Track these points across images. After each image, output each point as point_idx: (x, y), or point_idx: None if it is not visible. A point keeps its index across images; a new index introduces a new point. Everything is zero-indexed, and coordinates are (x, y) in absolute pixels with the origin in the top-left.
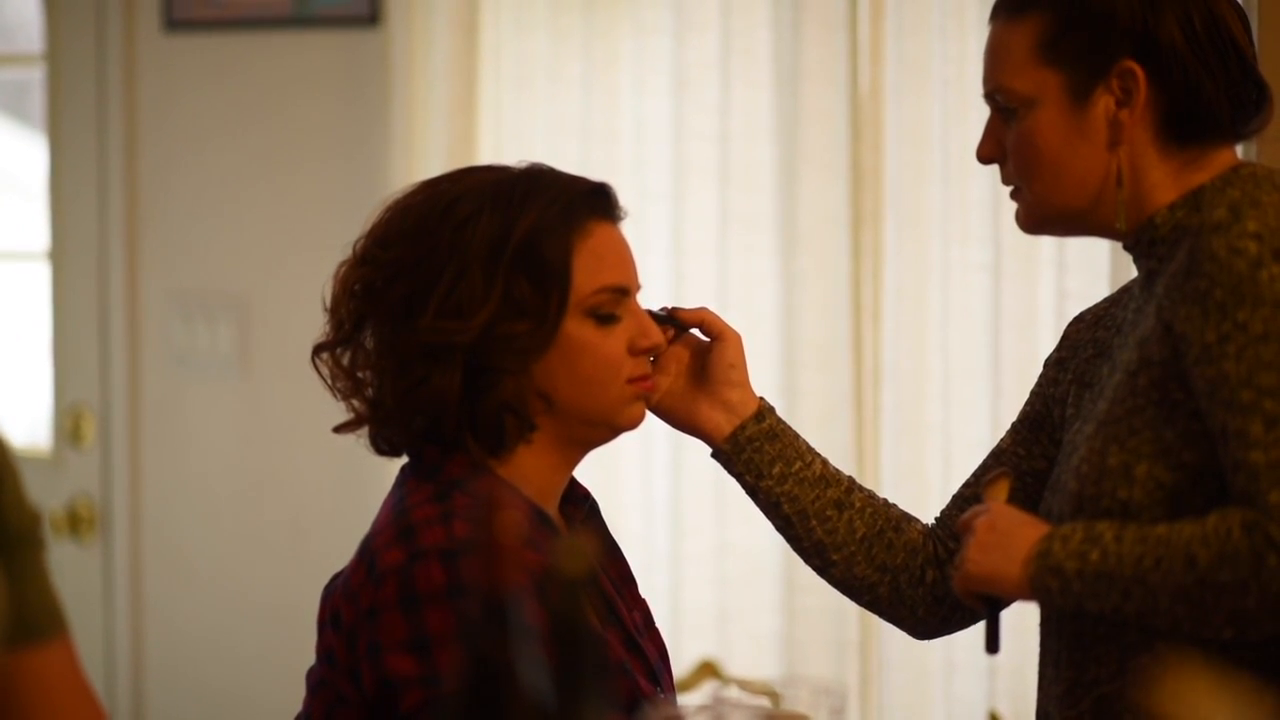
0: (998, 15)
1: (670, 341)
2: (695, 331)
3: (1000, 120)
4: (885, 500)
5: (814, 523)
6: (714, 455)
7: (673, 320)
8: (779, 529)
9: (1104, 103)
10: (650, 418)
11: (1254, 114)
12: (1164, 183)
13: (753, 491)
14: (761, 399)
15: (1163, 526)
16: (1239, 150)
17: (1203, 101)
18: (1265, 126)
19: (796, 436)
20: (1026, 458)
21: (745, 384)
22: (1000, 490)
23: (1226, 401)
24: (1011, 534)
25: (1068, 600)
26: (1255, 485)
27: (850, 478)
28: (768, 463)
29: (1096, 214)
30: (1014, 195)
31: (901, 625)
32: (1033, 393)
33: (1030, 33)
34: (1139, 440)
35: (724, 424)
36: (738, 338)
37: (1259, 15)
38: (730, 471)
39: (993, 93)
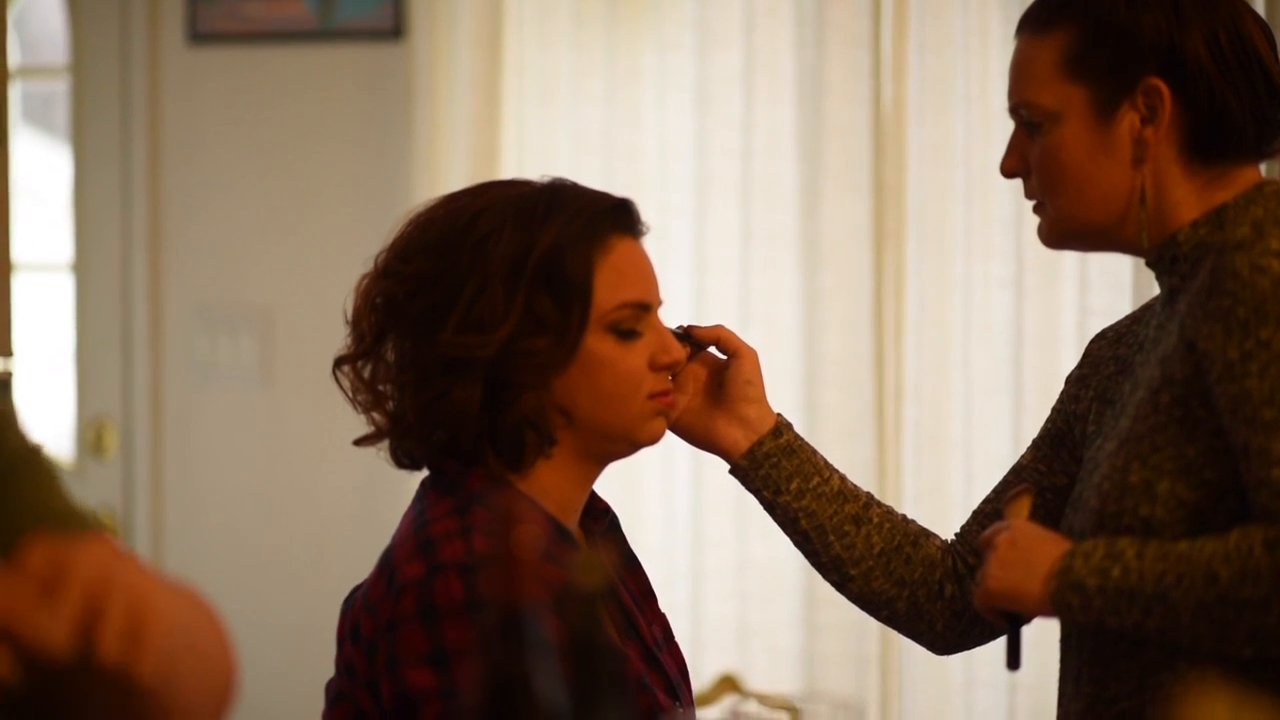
0: (1024, 29)
1: (687, 360)
2: (712, 349)
3: (1024, 135)
4: (903, 516)
5: (831, 538)
6: (732, 471)
7: (689, 338)
8: (797, 544)
9: (1129, 119)
10: (669, 437)
11: (1279, 133)
12: (1187, 200)
13: (770, 507)
14: (779, 415)
15: (1184, 543)
16: (1263, 169)
17: (1228, 120)
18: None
19: (814, 452)
20: (1047, 474)
21: (762, 400)
22: (1022, 507)
23: (1249, 419)
24: (1033, 550)
25: (1089, 616)
26: (1277, 502)
27: (868, 493)
28: (785, 478)
29: (1119, 230)
30: (1037, 210)
31: (920, 640)
32: (1054, 409)
33: (1056, 48)
34: (1161, 457)
35: (741, 440)
36: (754, 354)
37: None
38: (748, 487)
39: (1017, 107)
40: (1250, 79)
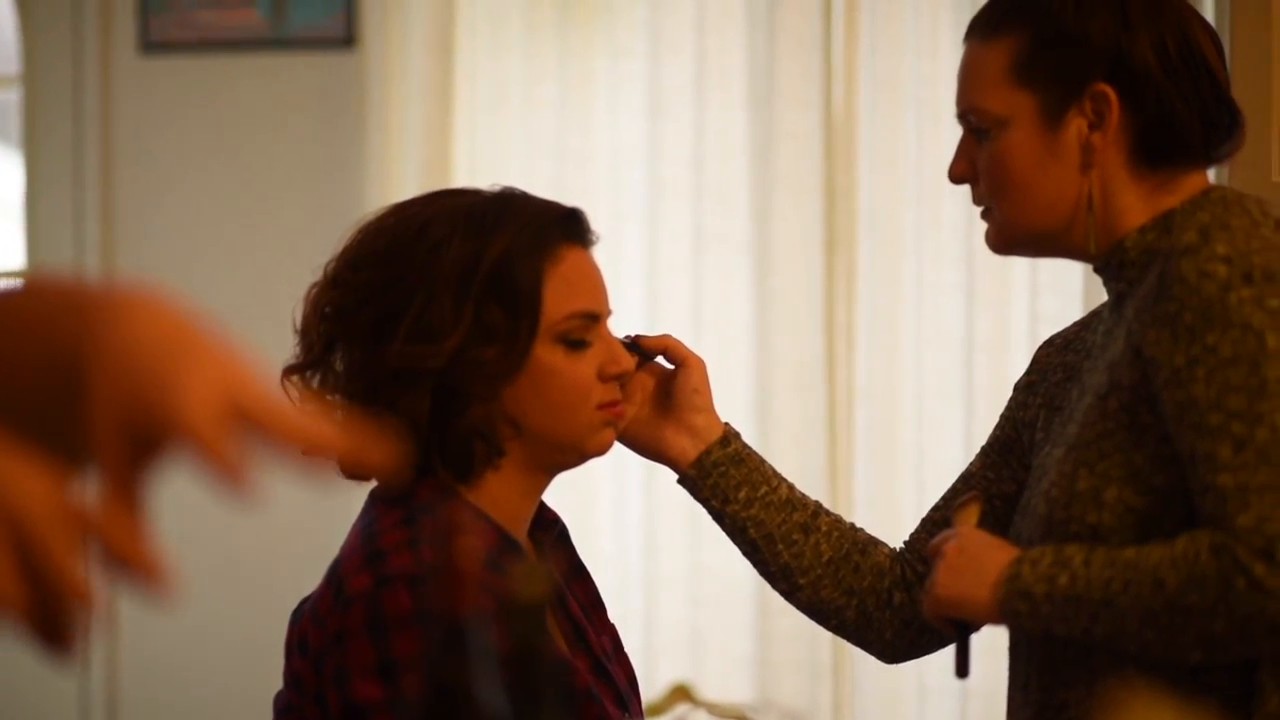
0: (972, 35)
1: (635, 369)
2: (659, 359)
3: (973, 140)
4: (852, 524)
5: (780, 546)
6: (680, 481)
7: (636, 348)
8: (745, 554)
9: (1076, 125)
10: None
11: (1226, 138)
12: (1135, 206)
13: (719, 516)
14: (727, 424)
15: (1131, 550)
16: (1211, 174)
17: (1176, 125)
18: (1236, 151)
19: (762, 461)
20: (996, 481)
21: (710, 409)
22: (970, 514)
23: (1195, 425)
24: (981, 558)
25: (1037, 624)
26: (1224, 508)
27: (817, 502)
28: (733, 487)
29: (1067, 236)
30: (984, 216)
31: (870, 649)
32: (1002, 416)
33: (1004, 53)
34: (1108, 464)
35: (689, 449)
36: (701, 364)
37: (1231, 40)
38: (696, 497)
39: (965, 113)
40: (1198, 84)
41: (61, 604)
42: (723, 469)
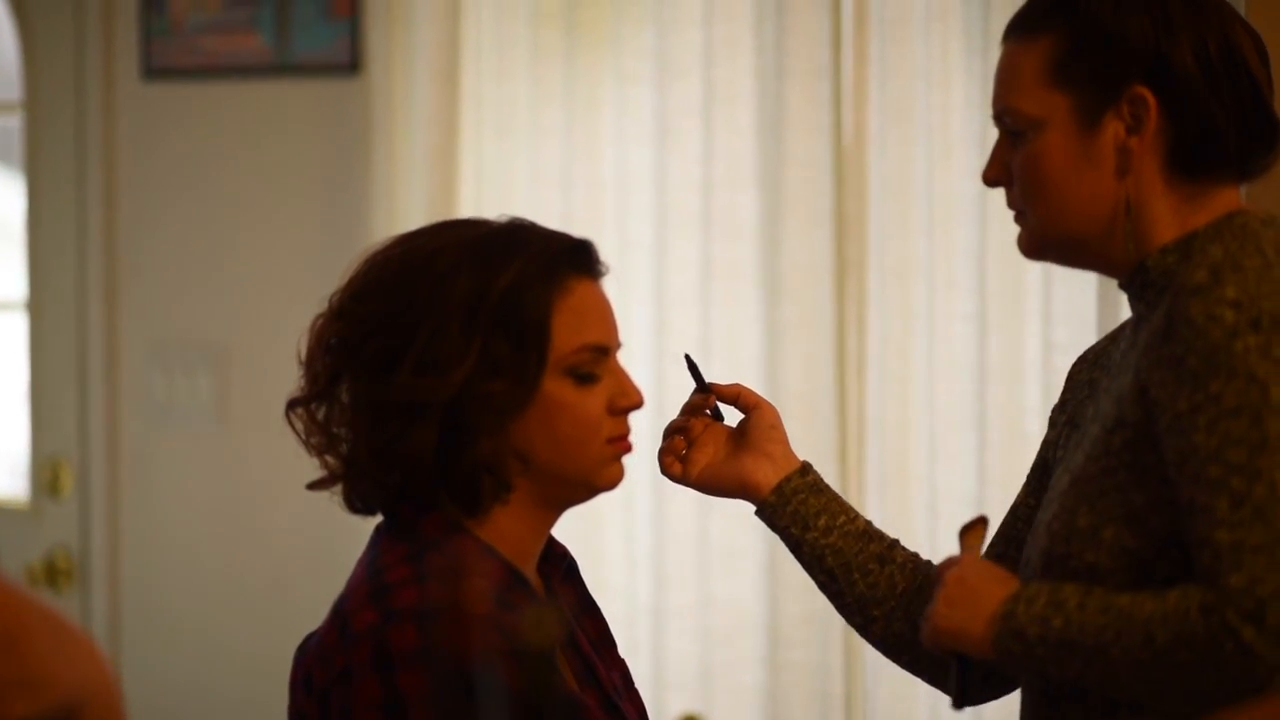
0: (1010, 36)
1: (703, 410)
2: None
3: (1008, 143)
4: (929, 561)
5: (856, 575)
6: (758, 512)
7: (707, 391)
8: (821, 585)
9: (1113, 128)
10: (630, 473)
11: (1263, 150)
12: (1164, 217)
13: (797, 545)
14: (803, 460)
15: (1126, 597)
16: (1243, 194)
17: (1213, 132)
18: (1270, 167)
19: (839, 494)
20: (1037, 508)
21: (786, 443)
22: (975, 539)
23: (1194, 475)
24: (979, 590)
25: (1031, 665)
26: (1218, 565)
27: (894, 538)
28: (814, 514)
29: (1100, 244)
30: (1018, 220)
31: (946, 690)
32: (1043, 441)
33: (1042, 54)
34: (1108, 503)
35: (771, 476)
36: (773, 408)
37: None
38: (775, 526)
39: (1001, 114)
40: (1238, 90)
41: None
42: (802, 496)
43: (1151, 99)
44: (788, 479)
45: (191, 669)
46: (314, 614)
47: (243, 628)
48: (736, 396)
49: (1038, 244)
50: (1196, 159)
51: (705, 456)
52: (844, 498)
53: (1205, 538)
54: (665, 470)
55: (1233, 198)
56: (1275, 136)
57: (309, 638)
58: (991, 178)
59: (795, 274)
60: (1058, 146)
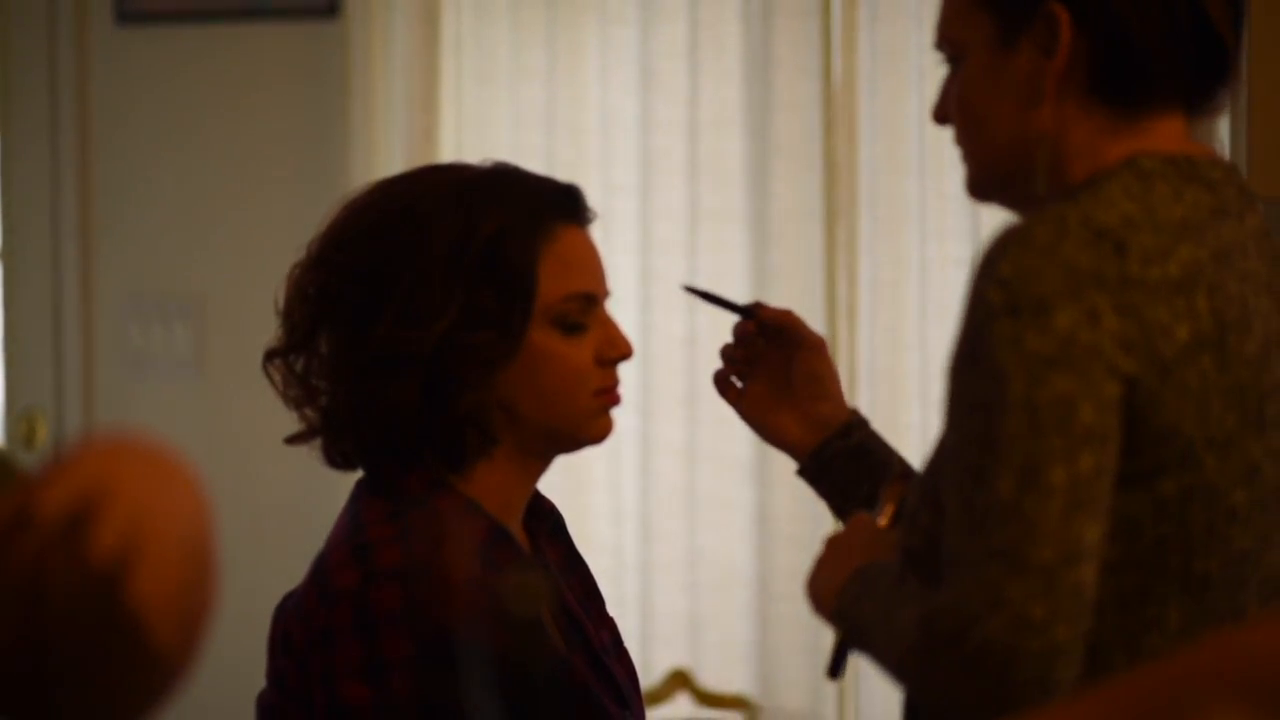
0: None
1: (752, 337)
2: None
3: (951, 76)
4: None
5: None
6: (800, 473)
7: (754, 317)
8: None
9: (1028, 51)
10: (617, 425)
11: (1210, 79)
12: (1083, 153)
13: (839, 514)
14: (854, 411)
15: (904, 591)
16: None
17: (1135, 52)
18: (1224, 101)
19: (892, 452)
20: None
21: (830, 396)
22: (890, 495)
23: (939, 468)
24: (841, 560)
25: (860, 648)
26: (947, 570)
27: None
28: (852, 483)
29: (1026, 183)
30: (962, 159)
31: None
32: None
33: None
34: (923, 485)
35: (808, 439)
36: (822, 344)
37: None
38: (817, 491)
39: (939, 43)
40: (1167, 6)
41: None
42: (841, 463)
43: (1064, 15)
44: (827, 442)
45: None
46: (294, 571)
47: (221, 582)
48: (782, 328)
49: (973, 183)
50: (1118, 84)
51: (756, 391)
52: (899, 455)
53: (942, 538)
54: (721, 394)
55: (1171, 132)
56: (1224, 62)
57: (288, 596)
58: (937, 115)
59: (784, 220)
60: (978, 73)
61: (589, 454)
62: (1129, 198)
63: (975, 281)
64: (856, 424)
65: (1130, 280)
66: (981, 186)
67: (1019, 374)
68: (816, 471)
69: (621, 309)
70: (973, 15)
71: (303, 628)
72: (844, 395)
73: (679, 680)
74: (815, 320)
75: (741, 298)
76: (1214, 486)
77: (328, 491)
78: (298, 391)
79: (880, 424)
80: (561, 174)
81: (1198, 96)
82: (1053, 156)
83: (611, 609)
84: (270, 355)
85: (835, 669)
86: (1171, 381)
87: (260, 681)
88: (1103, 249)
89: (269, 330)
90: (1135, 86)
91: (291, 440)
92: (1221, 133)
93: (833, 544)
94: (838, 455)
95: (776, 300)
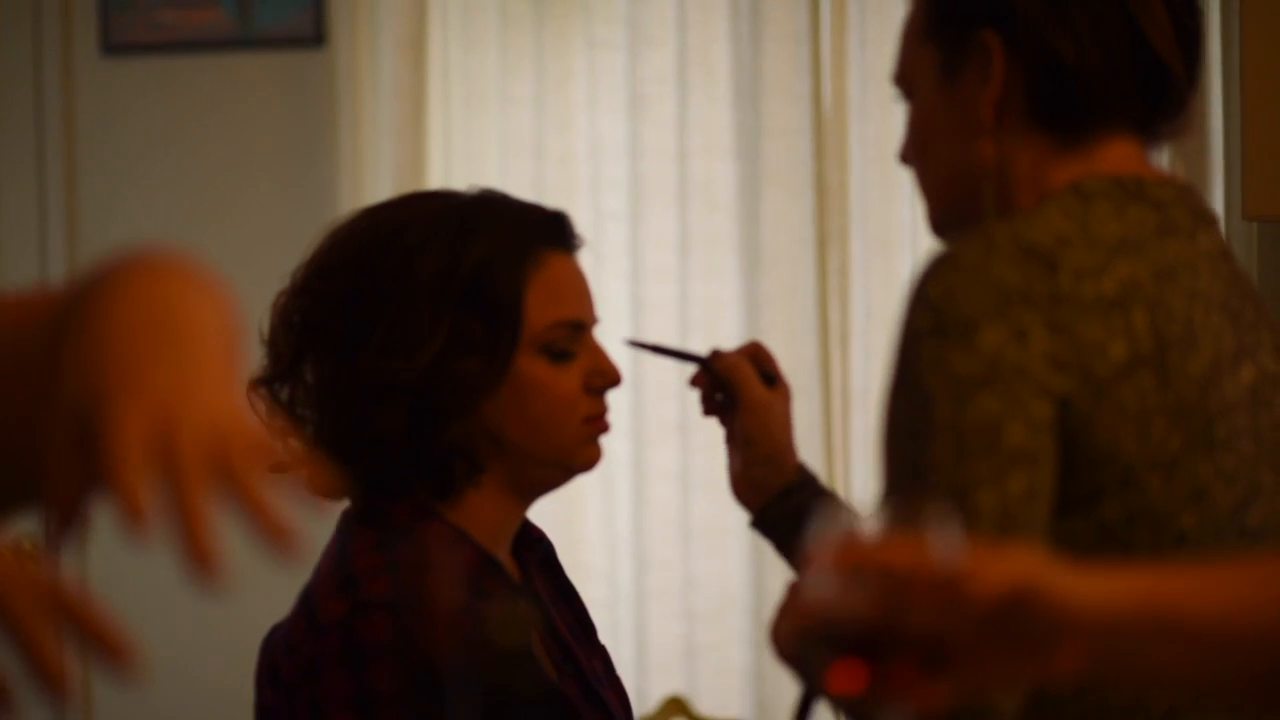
0: None
1: (711, 395)
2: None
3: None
4: None
5: None
6: (752, 527)
7: (708, 365)
8: None
9: (970, 82)
10: (608, 452)
11: (1155, 100)
12: (1026, 182)
13: (795, 569)
14: (801, 467)
15: None
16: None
17: (1066, 76)
18: (1181, 123)
19: (840, 507)
20: None
21: (766, 460)
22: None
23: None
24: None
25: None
26: None
27: None
28: (798, 545)
29: (981, 213)
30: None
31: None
32: None
33: (917, 6)
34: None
35: (752, 500)
36: (759, 403)
37: (1243, 58)
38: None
39: (895, 80)
40: (1101, 28)
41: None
42: (784, 525)
43: (996, 43)
44: (768, 505)
45: (153, 660)
46: (280, 603)
47: (206, 617)
48: (726, 383)
49: (932, 220)
50: (1056, 110)
51: (727, 438)
52: (848, 508)
53: None
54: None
55: (1120, 154)
56: (1166, 83)
57: (275, 628)
58: (902, 156)
59: (776, 245)
60: (926, 107)
61: (581, 481)
62: (1065, 216)
63: (905, 307)
64: (797, 486)
65: (1062, 297)
66: (939, 223)
67: (945, 396)
68: (763, 531)
69: (612, 336)
70: (921, 49)
71: (290, 660)
72: (790, 452)
73: (675, 707)
74: (808, 346)
75: (736, 324)
76: (1159, 510)
77: (313, 524)
78: (282, 421)
79: (874, 450)
80: (551, 201)
81: (1149, 119)
82: (1000, 185)
83: (606, 637)
84: (254, 384)
85: (803, 715)
86: (1107, 401)
87: (248, 716)
88: (1032, 266)
89: (253, 358)
90: (1074, 112)
91: (277, 469)
92: (1216, 155)
93: (794, 590)
94: (779, 518)
95: (769, 326)
